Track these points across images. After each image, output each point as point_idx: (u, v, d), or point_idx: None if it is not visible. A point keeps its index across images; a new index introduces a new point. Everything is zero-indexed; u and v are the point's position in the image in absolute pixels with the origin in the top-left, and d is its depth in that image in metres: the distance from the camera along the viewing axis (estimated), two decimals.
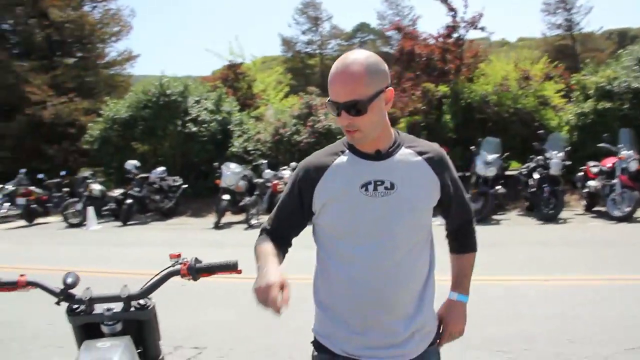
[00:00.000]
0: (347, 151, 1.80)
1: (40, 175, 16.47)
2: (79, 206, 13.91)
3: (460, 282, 2.02)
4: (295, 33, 51.38)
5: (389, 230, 1.72)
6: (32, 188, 15.37)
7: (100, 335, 1.99)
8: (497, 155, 11.01)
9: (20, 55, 21.28)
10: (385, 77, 1.69)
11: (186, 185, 14.51)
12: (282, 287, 1.50)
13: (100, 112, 17.19)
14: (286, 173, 12.72)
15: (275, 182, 12.47)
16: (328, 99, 1.69)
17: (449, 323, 1.97)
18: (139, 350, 2.11)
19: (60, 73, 20.61)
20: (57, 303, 1.98)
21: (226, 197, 12.25)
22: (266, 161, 13.63)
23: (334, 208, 1.76)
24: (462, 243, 2.03)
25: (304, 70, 46.07)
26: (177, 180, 14.49)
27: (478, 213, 10.55)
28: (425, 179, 1.78)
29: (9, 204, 15.27)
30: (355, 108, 1.63)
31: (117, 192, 14.07)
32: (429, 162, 1.79)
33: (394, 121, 14.66)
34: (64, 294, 1.96)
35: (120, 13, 23.55)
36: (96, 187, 14.43)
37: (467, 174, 11.90)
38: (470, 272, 2.04)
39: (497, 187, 10.78)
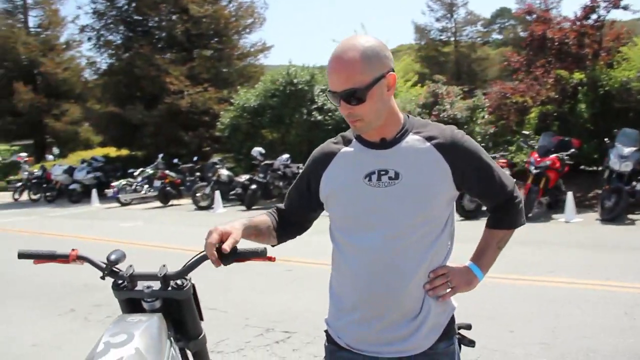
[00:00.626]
0: (354, 140, 1.74)
1: (175, 160, 17.73)
2: (208, 190, 14.73)
3: (480, 255, 1.83)
4: (429, 20, 50.17)
5: (393, 221, 1.62)
6: (168, 172, 16.60)
7: (142, 310, 2.06)
8: (634, 148, 9.94)
9: (163, 48, 22.92)
10: (385, 61, 1.60)
11: None
12: (223, 235, 1.60)
13: (232, 100, 18.03)
14: None
15: None
16: (328, 88, 1.63)
17: (449, 268, 1.72)
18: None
19: (197, 64, 21.89)
20: (102, 277, 2.08)
21: None
22: None
23: (338, 199, 1.72)
24: (497, 218, 1.83)
25: (438, 58, 44.90)
26: (301, 168, 14.74)
27: (610, 211, 9.65)
28: (433, 166, 1.64)
29: (148, 186, 16.65)
30: (354, 97, 1.56)
31: (243, 178, 14.60)
32: (438, 148, 1.65)
33: (524, 111, 13.85)
34: (109, 270, 2.05)
35: (254, 5, 24.43)
36: (224, 172, 15.18)
37: (600, 168, 10.95)
38: (495, 249, 1.82)
39: (634, 184, 9.77)
